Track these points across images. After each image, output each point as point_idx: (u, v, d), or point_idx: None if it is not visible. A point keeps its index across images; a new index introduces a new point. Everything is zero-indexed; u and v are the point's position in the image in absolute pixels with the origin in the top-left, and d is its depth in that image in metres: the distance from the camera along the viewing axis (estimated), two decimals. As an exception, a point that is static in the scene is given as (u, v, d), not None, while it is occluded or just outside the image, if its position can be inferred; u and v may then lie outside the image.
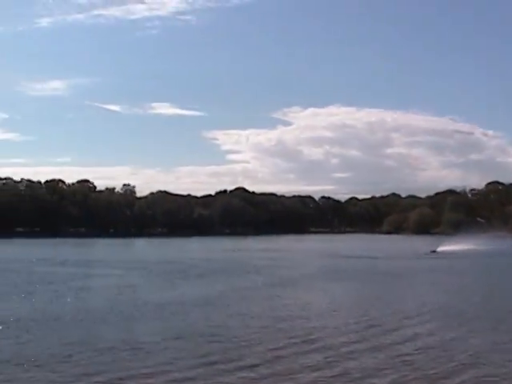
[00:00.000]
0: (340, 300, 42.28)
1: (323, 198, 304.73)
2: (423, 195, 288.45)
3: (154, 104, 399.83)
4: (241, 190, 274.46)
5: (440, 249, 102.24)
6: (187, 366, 22.12)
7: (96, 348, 24.69)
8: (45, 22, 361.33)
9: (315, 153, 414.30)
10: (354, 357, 23.69)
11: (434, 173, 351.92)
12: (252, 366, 22.10)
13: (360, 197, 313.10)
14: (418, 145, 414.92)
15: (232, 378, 20.69)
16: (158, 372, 21.16)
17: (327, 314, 35.15)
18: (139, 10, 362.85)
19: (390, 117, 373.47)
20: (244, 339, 26.95)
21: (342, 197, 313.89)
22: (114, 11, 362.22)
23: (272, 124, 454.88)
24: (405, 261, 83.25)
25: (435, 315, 34.99)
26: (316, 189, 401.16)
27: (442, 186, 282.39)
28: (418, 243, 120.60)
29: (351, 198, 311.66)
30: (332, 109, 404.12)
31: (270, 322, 32.00)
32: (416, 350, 25.20)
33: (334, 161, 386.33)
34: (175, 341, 26.37)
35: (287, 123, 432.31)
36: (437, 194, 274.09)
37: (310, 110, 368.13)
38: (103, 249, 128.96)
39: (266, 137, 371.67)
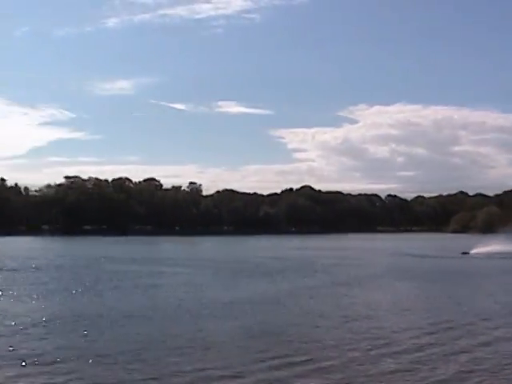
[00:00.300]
0: (410, 299, 41.33)
1: (389, 196, 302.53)
2: (491, 193, 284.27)
3: (220, 103, 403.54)
4: (307, 189, 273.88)
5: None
6: (257, 366, 21.60)
7: (165, 346, 24.42)
8: (111, 22, 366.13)
9: (381, 151, 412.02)
10: (428, 360, 22.72)
11: (502, 171, 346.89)
12: (322, 368, 21.46)
13: (426, 195, 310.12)
14: (485, 142, 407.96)
15: (292, 375, 20.31)
16: (228, 371, 20.71)
17: (397, 314, 34.32)
18: (205, 10, 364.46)
19: (457, 114, 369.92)
20: (314, 339, 26.39)
21: (409, 195, 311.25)
22: (180, 11, 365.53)
23: (338, 122, 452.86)
24: (476, 260, 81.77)
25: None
26: (382, 187, 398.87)
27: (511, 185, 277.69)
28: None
29: (417, 197, 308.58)
30: (398, 106, 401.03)
31: (340, 321, 31.41)
32: (495, 353, 24.18)
33: (400, 159, 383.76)
34: (244, 340, 25.93)
35: (353, 121, 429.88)
36: (505, 192, 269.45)
37: (376, 108, 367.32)
38: (170, 247, 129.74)
39: (332, 135, 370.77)
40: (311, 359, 22.57)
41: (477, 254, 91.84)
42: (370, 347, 24.77)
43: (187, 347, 24.22)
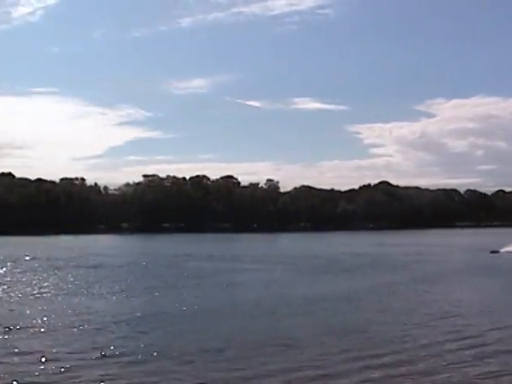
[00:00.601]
0: (493, 297, 40.22)
1: (469, 191, 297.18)
2: None
3: (295, 99, 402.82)
4: (384, 184, 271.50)
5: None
6: (337, 362, 21.38)
7: (247, 344, 24.32)
8: (186, 21, 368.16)
9: (460, 145, 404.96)
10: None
11: None
12: (403, 364, 21.11)
13: (508, 189, 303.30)
14: None
15: (381, 375, 19.78)
16: (308, 368, 20.50)
17: (482, 312, 33.46)
18: (279, 6, 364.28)
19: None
20: (395, 336, 26.02)
21: (489, 190, 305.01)
22: (254, 8, 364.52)
23: (415, 116, 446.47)
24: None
25: None
26: (461, 182, 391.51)
27: None
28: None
29: (498, 191, 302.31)
30: (476, 99, 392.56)
31: (422, 318, 30.89)
32: None
33: (480, 152, 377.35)
34: (326, 337, 25.62)
35: (431, 115, 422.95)
36: None
37: (454, 101, 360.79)
38: (247, 244, 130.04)
39: (409, 129, 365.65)
40: (400, 360, 21.86)
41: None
42: (452, 345, 24.24)
43: (269, 345, 24.03)
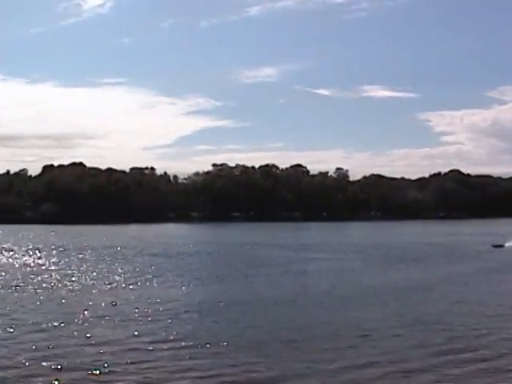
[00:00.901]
0: None
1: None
2: None
3: (365, 87, 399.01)
4: (455, 173, 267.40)
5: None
6: (414, 356, 20.79)
7: (319, 334, 24.06)
8: (254, 10, 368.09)
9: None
10: None
11: None
12: (481, 360, 20.51)
13: None
14: None
15: (460, 372, 19.14)
16: (385, 363, 20.00)
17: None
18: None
19: None
20: (470, 328, 25.44)
21: None
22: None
23: (487, 103, 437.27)
24: None
25: None
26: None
27: None
28: None
29: None
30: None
31: (496, 310, 30.23)
32: None
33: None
34: (399, 328, 25.19)
35: (503, 102, 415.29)
36: None
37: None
38: (317, 233, 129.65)
39: (480, 117, 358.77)
40: (478, 355, 21.12)
41: None
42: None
43: (342, 336, 23.72)
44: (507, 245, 77.07)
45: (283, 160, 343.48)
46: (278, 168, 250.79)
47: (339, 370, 19.04)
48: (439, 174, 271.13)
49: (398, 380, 18.24)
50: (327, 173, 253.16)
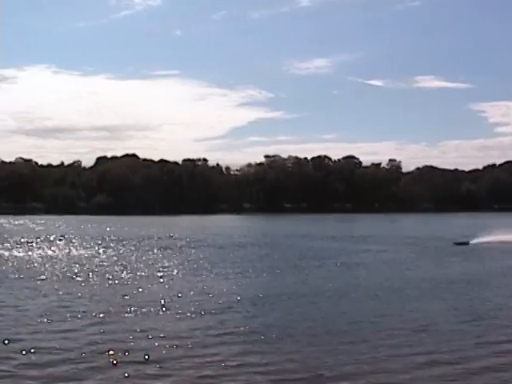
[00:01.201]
0: None
1: None
2: None
3: (418, 77, 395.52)
4: (510, 164, 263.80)
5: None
6: (474, 352, 20.15)
7: (375, 327, 23.57)
8: (306, 1, 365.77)
9: None
10: None
11: None
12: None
13: None
14: None
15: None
16: (444, 361, 19.16)
17: None
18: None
19: None
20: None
21: None
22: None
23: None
24: None
25: None
26: None
27: None
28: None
29: None
30: None
31: None
32: None
33: None
34: (456, 323, 24.51)
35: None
36: None
37: None
38: (369, 224, 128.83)
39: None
40: None
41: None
42: None
43: (397, 330, 23.15)
44: None
45: (336, 151, 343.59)
46: (330, 159, 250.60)
47: (395, 368, 18.40)
48: (493, 165, 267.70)
49: (459, 380, 17.56)
50: (380, 164, 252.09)
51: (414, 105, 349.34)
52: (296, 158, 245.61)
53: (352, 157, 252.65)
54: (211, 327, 23.46)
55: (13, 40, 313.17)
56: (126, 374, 17.29)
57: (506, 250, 59.24)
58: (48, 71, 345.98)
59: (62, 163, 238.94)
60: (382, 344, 21.09)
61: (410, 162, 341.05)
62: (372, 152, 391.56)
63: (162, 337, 21.79)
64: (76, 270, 41.97)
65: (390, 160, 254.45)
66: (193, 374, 17.55)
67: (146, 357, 18.95)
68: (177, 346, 20.55)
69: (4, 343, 20.51)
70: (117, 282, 36.55)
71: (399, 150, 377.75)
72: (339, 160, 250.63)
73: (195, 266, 45.65)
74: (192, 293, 32.08)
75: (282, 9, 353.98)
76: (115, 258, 51.21)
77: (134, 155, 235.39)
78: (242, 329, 23.12)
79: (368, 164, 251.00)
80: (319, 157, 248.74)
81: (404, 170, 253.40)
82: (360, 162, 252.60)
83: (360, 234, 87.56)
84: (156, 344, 20.69)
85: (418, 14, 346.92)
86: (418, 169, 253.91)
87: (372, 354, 19.80)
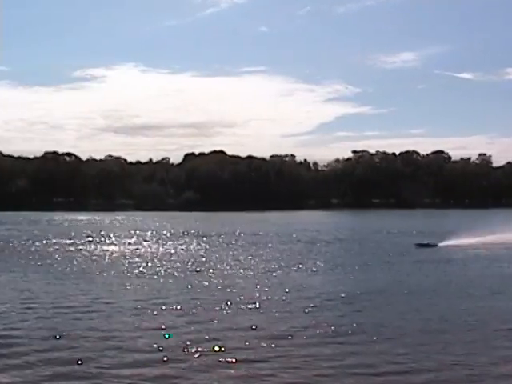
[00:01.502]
0: None
1: None
2: None
3: (508, 69, 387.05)
4: None
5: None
6: None
7: (465, 326, 23.31)
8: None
9: None
10: None
11: None
12: None
13: None
14: None
15: None
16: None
17: None
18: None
19: None
20: None
21: None
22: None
23: None
24: None
25: None
26: None
27: None
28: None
29: None
30: None
31: None
32: None
33: None
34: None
35: None
36: None
37: None
38: (460, 220, 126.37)
39: None
40: None
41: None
42: None
43: (489, 328, 22.91)
44: None
45: (424, 146, 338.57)
46: (418, 154, 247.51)
47: (487, 365, 18.24)
48: None
49: None
50: (469, 159, 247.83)
51: (505, 98, 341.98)
52: (384, 153, 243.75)
53: (441, 151, 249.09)
54: (306, 327, 23.23)
55: (101, 40, 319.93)
56: (237, 373, 17.46)
57: None
58: (136, 70, 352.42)
59: (151, 160, 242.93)
60: (473, 341, 20.87)
61: (501, 156, 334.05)
62: (461, 146, 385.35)
63: (253, 333, 21.94)
64: (175, 266, 42.93)
65: (480, 154, 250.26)
66: (292, 376, 17.33)
67: (237, 355, 19.01)
68: (268, 343, 20.58)
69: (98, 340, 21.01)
70: (207, 277, 37.02)
71: (490, 144, 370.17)
72: (428, 155, 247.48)
73: (284, 262, 45.93)
74: (281, 289, 32.17)
75: (367, 2, 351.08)
76: (203, 254, 51.90)
77: (221, 152, 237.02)
78: (333, 328, 22.90)
79: (457, 159, 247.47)
80: (407, 152, 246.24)
81: (494, 164, 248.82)
82: (449, 157, 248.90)
83: (450, 230, 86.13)
84: (246, 342, 20.69)
85: (508, 4, 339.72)
86: (509, 163, 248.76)
87: (463, 351, 19.70)
